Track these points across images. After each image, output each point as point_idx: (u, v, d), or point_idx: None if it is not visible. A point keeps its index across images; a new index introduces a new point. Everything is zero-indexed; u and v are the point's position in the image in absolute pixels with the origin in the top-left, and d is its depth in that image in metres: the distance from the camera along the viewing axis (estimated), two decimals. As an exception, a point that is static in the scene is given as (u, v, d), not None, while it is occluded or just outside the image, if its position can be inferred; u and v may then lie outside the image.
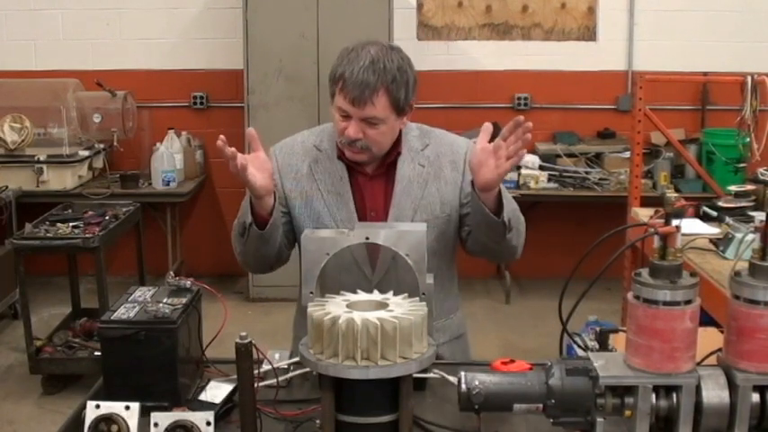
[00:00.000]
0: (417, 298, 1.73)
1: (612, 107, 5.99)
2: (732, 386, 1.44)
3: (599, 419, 1.46)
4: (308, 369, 1.78)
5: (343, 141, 2.12)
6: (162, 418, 1.63)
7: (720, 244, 3.26)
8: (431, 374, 1.85)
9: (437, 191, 2.18)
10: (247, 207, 2.04)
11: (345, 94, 2.06)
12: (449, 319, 2.29)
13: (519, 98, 5.97)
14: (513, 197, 2.14)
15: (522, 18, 5.93)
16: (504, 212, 2.01)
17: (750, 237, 2.87)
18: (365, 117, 2.07)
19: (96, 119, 5.43)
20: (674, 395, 1.44)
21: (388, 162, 2.20)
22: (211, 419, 1.63)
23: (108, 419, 1.64)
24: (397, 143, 2.20)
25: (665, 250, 1.44)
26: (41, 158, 5.24)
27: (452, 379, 1.77)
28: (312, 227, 2.12)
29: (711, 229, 3.46)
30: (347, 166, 2.20)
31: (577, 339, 1.97)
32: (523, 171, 5.50)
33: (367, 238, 1.86)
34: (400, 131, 2.20)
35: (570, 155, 5.68)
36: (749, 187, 3.72)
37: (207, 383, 1.85)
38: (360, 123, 2.08)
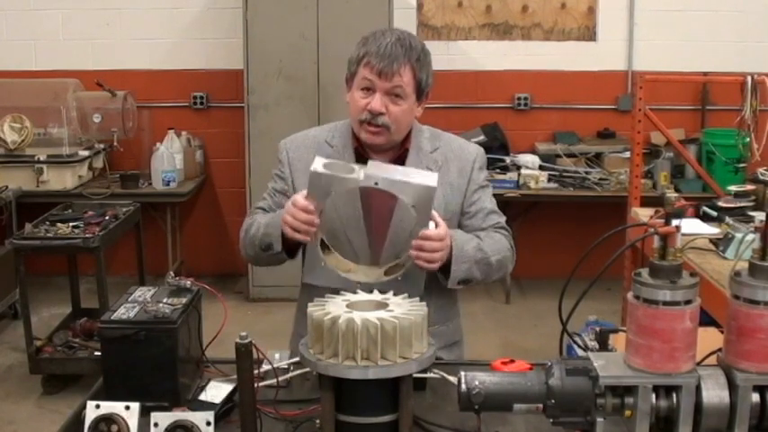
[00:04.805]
0: (418, 298, 1.73)
1: (612, 107, 5.98)
2: (732, 386, 1.44)
3: (599, 419, 1.46)
4: (308, 369, 1.78)
5: (363, 118, 2.12)
6: (162, 418, 1.63)
7: (720, 244, 3.26)
8: (431, 374, 1.85)
9: (442, 195, 2.17)
10: (277, 232, 2.05)
11: (372, 66, 2.08)
12: (444, 326, 2.27)
13: (519, 98, 5.97)
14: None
15: (522, 18, 5.93)
16: (453, 278, 2.08)
17: (750, 237, 2.84)
18: (390, 88, 2.09)
19: (96, 119, 5.43)
20: (674, 395, 1.44)
21: (396, 157, 2.20)
22: (211, 419, 1.63)
23: (108, 419, 1.64)
24: (407, 138, 2.21)
25: (665, 250, 1.44)
26: (41, 158, 5.24)
27: (452, 379, 1.77)
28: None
29: (711, 229, 3.46)
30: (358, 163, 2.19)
31: (577, 339, 1.96)
32: (523, 171, 5.48)
33: (376, 184, 1.88)
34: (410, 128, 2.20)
35: (570, 155, 5.68)
36: (749, 187, 3.72)
37: (207, 383, 1.85)
38: (383, 98, 2.10)
